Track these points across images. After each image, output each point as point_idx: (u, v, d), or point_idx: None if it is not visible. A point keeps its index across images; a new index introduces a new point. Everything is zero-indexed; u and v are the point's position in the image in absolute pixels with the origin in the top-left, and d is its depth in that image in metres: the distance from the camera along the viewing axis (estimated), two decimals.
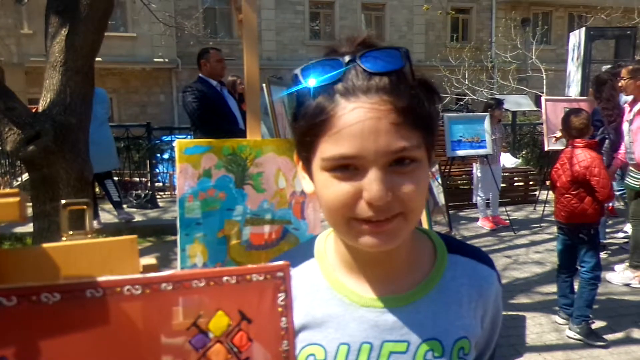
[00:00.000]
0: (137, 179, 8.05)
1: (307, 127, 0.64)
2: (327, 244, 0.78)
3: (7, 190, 0.51)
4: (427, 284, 0.74)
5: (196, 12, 16.11)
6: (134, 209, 6.84)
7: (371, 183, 0.61)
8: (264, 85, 2.28)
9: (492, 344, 0.82)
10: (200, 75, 4.76)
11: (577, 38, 7.68)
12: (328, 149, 0.62)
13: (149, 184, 7.85)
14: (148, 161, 7.97)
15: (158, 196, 7.44)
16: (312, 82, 0.63)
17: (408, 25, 20.74)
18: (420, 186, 0.64)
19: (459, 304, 0.74)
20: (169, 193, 7.92)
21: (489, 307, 0.77)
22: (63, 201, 0.58)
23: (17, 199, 0.50)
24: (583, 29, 7.64)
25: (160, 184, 8.27)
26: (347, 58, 0.63)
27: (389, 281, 0.73)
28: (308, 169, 0.69)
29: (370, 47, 0.66)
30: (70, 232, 0.58)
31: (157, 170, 8.34)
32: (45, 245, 0.55)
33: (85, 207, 0.59)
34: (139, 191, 7.32)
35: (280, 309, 0.60)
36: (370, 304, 0.72)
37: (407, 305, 0.72)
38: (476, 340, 0.75)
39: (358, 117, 0.60)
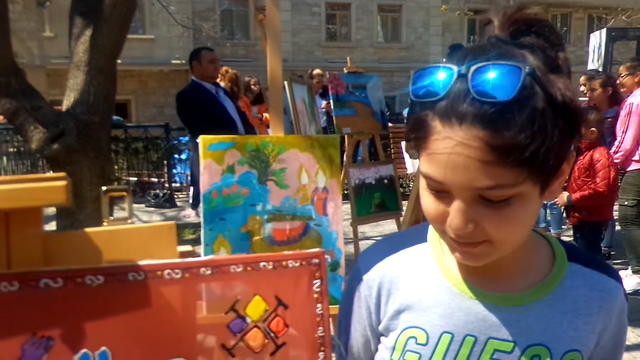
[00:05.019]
0: (155, 179, 8.14)
1: (412, 134, 0.64)
2: None
3: (54, 174, 0.53)
4: (541, 288, 0.71)
5: (213, 14, 16.25)
6: (152, 208, 6.91)
7: (453, 212, 0.61)
8: (285, 83, 2.29)
9: None
10: (193, 78, 4.36)
11: (597, 39, 7.59)
12: (424, 164, 0.62)
13: (166, 184, 7.92)
14: (166, 161, 8.05)
15: (175, 196, 7.50)
16: (418, 89, 0.62)
17: (424, 27, 20.66)
18: (514, 219, 0.61)
19: (576, 314, 0.71)
20: (186, 193, 7.98)
21: (610, 322, 0.73)
22: (104, 188, 0.60)
23: (63, 182, 0.51)
24: (604, 30, 7.55)
25: (178, 184, 8.34)
26: (462, 69, 0.58)
27: (501, 279, 0.71)
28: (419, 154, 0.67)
29: (524, 27, 0.62)
30: (111, 218, 0.59)
31: (175, 170, 8.42)
32: (88, 229, 0.56)
33: (125, 193, 0.60)
34: (157, 191, 7.40)
35: (315, 295, 0.60)
36: (480, 298, 0.70)
37: (518, 305, 0.70)
38: (589, 356, 0.72)
39: (446, 148, 0.58)
